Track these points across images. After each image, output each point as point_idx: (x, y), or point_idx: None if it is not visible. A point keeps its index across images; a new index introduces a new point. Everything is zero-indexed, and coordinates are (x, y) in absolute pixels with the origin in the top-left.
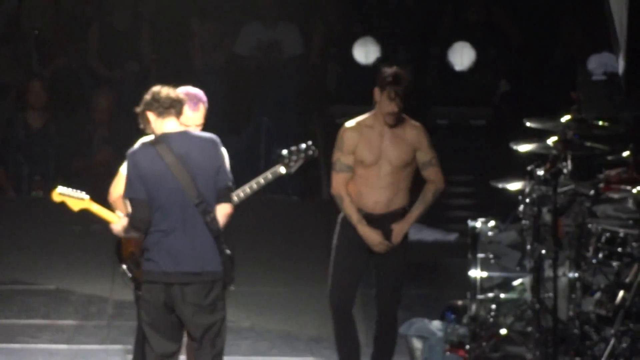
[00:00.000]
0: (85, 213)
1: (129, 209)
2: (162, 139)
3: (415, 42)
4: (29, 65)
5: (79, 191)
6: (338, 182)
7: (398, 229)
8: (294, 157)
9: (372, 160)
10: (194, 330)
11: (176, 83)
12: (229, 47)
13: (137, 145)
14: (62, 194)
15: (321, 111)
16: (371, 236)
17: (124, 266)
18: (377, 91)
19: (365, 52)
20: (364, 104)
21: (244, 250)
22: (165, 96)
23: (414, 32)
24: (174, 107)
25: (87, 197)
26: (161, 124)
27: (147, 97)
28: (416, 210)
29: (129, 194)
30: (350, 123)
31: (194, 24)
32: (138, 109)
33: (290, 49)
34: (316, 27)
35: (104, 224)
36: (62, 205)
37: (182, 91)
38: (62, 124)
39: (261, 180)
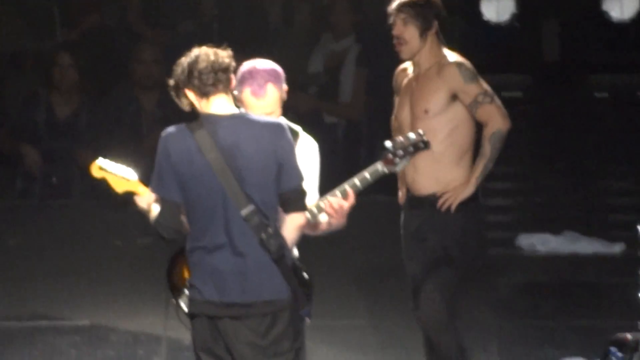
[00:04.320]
0: (130, 225)
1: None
2: (206, 123)
3: None
4: (49, 26)
5: (125, 167)
6: None
7: (447, 196)
8: (399, 152)
9: (402, 115)
10: None
11: (246, 49)
12: None
13: (173, 128)
14: (104, 168)
15: None
16: None
17: (178, 296)
18: None
19: (496, 7)
20: (498, 72)
21: (333, 266)
22: (205, 69)
23: None
24: (220, 81)
25: (136, 177)
26: (206, 104)
27: (182, 69)
28: (477, 169)
29: (156, 189)
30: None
31: None
32: (171, 83)
33: None
34: None
35: (154, 238)
36: (95, 211)
37: (247, 67)
38: (95, 106)
39: (356, 182)
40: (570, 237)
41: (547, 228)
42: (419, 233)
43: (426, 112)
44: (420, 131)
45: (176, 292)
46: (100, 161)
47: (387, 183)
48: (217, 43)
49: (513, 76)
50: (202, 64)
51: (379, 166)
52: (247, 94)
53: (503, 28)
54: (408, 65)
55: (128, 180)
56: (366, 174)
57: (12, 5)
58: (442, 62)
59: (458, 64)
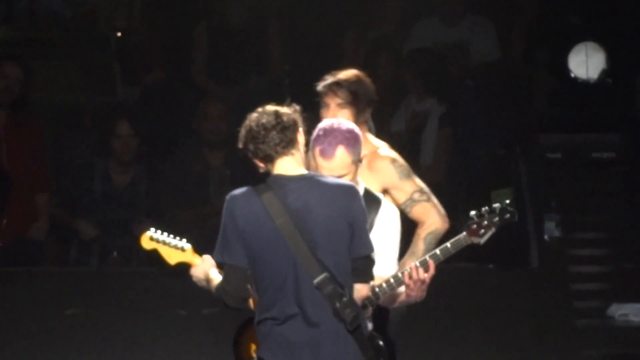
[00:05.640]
0: (195, 294)
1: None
2: (274, 185)
3: None
4: (109, 82)
5: (177, 238)
6: None
7: None
8: (484, 223)
9: None
10: None
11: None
12: (396, 52)
13: (239, 190)
14: (155, 239)
15: (526, 142)
16: None
17: None
18: None
19: (584, 62)
20: (585, 131)
21: (418, 339)
22: (260, 134)
23: None
24: (278, 143)
25: (189, 246)
26: (272, 167)
27: (240, 136)
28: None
29: (222, 256)
30: None
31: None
32: (241, 145)
33: (480, 54)
34: (517, 23)
35: (221, 307)
36: (157, 278)
37: (323, 125)
38: (157, 170)
39: (438, 253)
40: None
41: None
42: None
43: None
44: (507, 201)
45: None
46: (151, 232)
47: (468, 250)
48: (288, 100)
49: (605, 135)
50: (256, 129)
51: (463, 237)
52: (316, 153)
53: (593, 84)
54: None
55: (181, 250)
56: (448, 244)
57: (72, 60)
58: (374, 154)
59: (392, 159)
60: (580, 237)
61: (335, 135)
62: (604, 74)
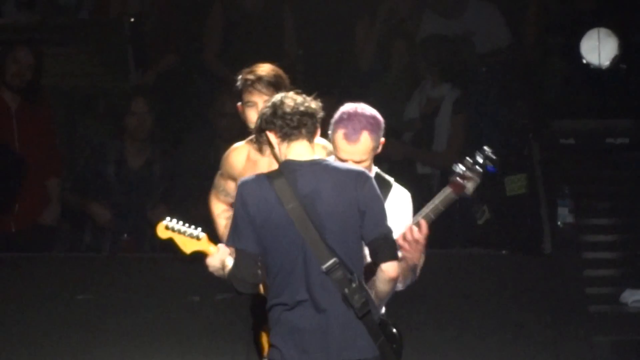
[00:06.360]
0: (209, 280)
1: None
2: (285, 171)
3: None
4: (123, 66)
5: (192, 227)
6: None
7: None
8: (467, 174)
9: None
10: None
11: (333, 91)
12: (410, 38)
13: (251, 176)
14: (171, 228)
15: (539, 128)
16: None
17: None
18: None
19: (597, 49)
20: (599, 117)
21: (431, 325)
22: (291, 110)
23: None
24: (304, 125)
25: (204, 235)
26: (286, 149)
27: (267, 110)
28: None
29: (233, 242)
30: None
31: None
32: (255, 126)
33: (487, 41)
34: (530, 9)
35: (235, 293)
36: (169, 264)
37: (347, 108)
38: (170, 155)
39: (429, 212)
40: None
41: None
42: None
43: None
44: (486, 147)
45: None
46: (167, 221)
47: (481, 235)
48: (302, 85)
49: (618, 121)
50: (287, 105)
51: (449, 193)
52: (339, 136)
53: (605, 70)
54: (241, 146)
55: (197, 239)
56: (438, 202)
57: (85, 45)
58: None
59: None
60: (594, 223)
61: (359, 120)
62: (616, 60)
